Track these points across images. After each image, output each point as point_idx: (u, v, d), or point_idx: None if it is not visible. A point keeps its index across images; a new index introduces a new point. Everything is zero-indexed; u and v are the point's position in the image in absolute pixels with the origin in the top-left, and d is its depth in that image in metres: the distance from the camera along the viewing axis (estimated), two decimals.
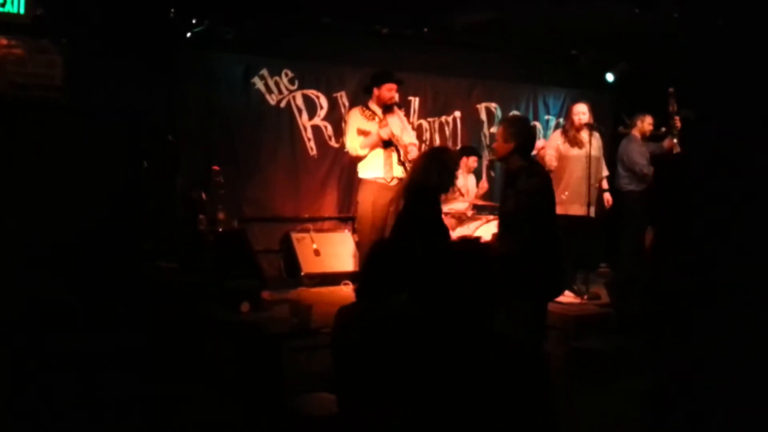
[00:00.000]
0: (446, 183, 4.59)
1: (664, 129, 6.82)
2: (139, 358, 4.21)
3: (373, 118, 5.87)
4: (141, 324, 4.45)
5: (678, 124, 6.66)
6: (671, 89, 6.71)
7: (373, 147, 5.85)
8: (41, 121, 5.52)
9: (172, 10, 6.31)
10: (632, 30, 7.21)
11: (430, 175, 4.44)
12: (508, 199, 4.09)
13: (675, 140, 6.67)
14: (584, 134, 6.07)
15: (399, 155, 5.89)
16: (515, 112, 8.52)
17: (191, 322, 4.54)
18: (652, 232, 6.51)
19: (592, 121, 6.12)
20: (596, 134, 6.15)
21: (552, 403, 2.55)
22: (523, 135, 4.05)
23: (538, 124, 8.52)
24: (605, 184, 6.60)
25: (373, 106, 5.99)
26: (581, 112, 6.10)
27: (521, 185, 3.95)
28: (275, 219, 7.02)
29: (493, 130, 8.38)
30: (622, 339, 5.25)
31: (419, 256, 3.87)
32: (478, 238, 4.84)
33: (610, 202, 6.60)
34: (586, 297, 5.97)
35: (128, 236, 5.25)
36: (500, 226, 4.28)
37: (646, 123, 6.89)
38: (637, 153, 6.73)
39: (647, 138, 6.95)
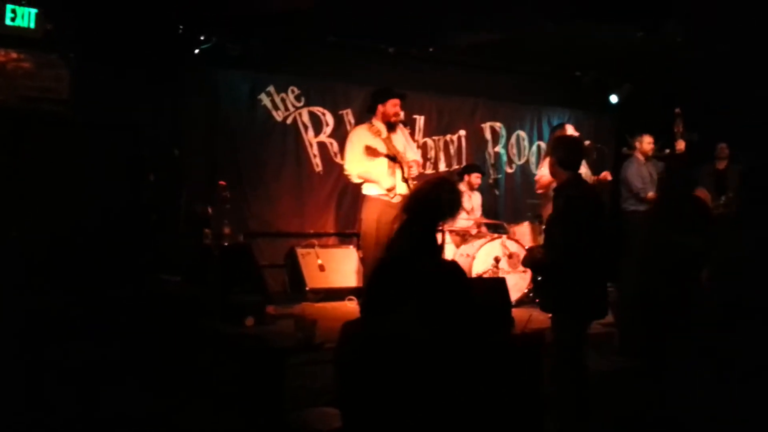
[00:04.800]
0: (452, 213, 4.62)
1: (668, 150, 6.84)
2: (141, 371, 4.21)
3: (379, 135, 5.90)
4: (143, 336, 4.45)
5: (682, 146, 6.69)
6: (677, 110, 6.75)
7: (371, 157, 5.85)
8: (47, 133, 5.58)
9: (180, 26, 6.37)
10: (635, 52, 7.26)
11: (438, 202, 4.46)
12: (549, 214, 4.16)
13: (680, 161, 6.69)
14: None
15: (403, 172, 5.91)
16: (520, 132, 8.57)
17: (194, 335, 4.54)
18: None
19: (586, 142, 6.23)
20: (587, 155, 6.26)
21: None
22: (569, 149, 4.14)
23: (542, 144, 8.55)
24: None
25: (377, 123, 6.01)
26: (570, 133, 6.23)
27: (567, 192, 3.99)
28: (280, 234, 7.05)
29: (498, 149, 8.42)
30: (625, 359, 5.24)
31: (421, 274, 3.90)
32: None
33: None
34: None
35: (131, 249, 5.27)
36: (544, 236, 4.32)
37: (646, 143, 6.92)
38: (635, 174, 6.77)
39: (650, 157, 6.97)
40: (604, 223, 4.12)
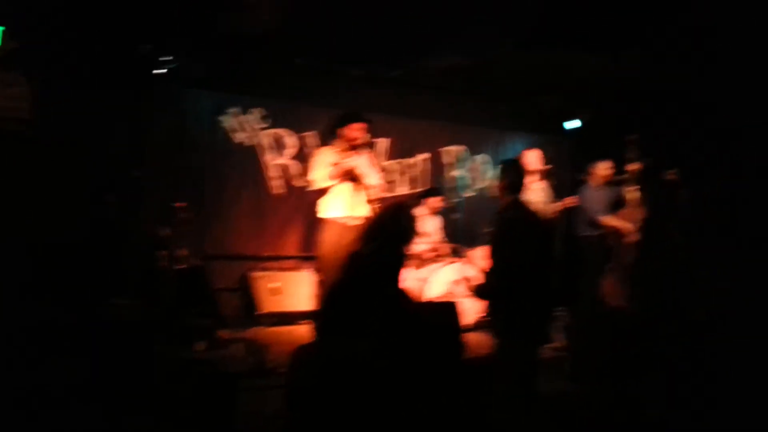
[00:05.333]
0: (411, 238, 4.67)
1: (623, 176, 6.96)
2: (90, 395, 4.17)
3: (342, 156, 5.93)
4: (93, 360, 4.41)
5: (636, 171, 6.82)
6: (631, 137, 6.89)
7: (336, 177, 5.88)
8: (7, 152, 5.54)
9: (147, 45, 6.37)
10: (595, 79, 7.41)
11: (398, 228, 4.51)
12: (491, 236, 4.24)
13: (634, 188, 6.83)
14: (535, 179, 6.41)
15: (363, 195, 5.94)
16: (481, 156, 8.67)
17: (146, 359, 4.52)
18: (609, 277, 6.65)
19: (545, 167, 6.36)
20: (545, 180, 6.41)
21: None
22: (515, 175, 4.31)
23: None
24: None
25: (342, 144, 6.05)
26: (533, 158, 6.36)
27: (506, 215, 4.09)
28: (237, 257, 7.01)
29: (459, 172, 8.51)
30: (576, 384, 5.30)
31: (379, 303, 3.94)
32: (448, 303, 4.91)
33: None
34: None
35: (87, 270, 5.24)
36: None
37: (605, 169, 7.03)
38: (591, 199, 6.87)
39: (607, 183, 7.09)
40: (550, 247, 4.21)
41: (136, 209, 6.31)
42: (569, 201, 6.64)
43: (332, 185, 5.92)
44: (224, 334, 5.25)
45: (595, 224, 6.80)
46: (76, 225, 5.53)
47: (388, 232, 4.26)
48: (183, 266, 5.79)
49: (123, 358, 4.44)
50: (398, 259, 4.33)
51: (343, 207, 5.90)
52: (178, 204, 6.16)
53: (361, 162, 6.07)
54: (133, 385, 4.28)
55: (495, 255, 4.05)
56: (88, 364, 4.41)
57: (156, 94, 6.68)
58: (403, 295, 4.38)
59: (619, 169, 6.96)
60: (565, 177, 7.29)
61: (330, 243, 5.83)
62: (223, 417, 4.12)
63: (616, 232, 6.76)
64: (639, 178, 6.84)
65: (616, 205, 6.99)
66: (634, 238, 6.68)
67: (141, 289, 5.53)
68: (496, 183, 4.38)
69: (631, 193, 6.83)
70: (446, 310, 5.08)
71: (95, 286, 5.14)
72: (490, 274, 4.09)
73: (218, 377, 4.31)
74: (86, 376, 4.30)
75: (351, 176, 5.90)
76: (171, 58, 6.49)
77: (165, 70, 6.50)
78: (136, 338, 4.62)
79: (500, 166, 4.41)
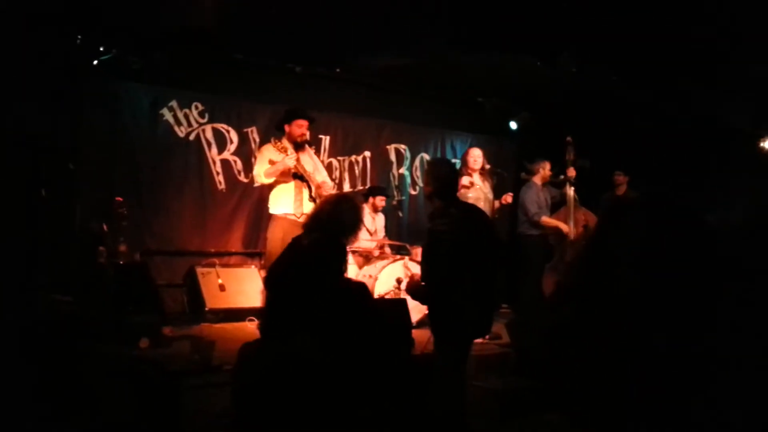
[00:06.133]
0: (353, 231, 4.64)
1: (562, 177, 7.12)
2: (28, 395, 4.01)
3: (285, 152, 5.89)
4: (32, 359, 4.24)
5: (573, 172, 6.99)
6: (569, 138, 7.06)
7: (278, 175, 5.83)
8: None
9: (79, 37, 6.17)
10: (534, 81, 7.56)
11: (340, 219, 4.49)
12: (427, 238, 4.15)
13: (572, 188, 6.99)
14: (477, 177, 6.47)
15: (310, 192, 5.92)
16: (424, 155, 8.73)
17: (86, 357, 4.37)
18: (549, 275, 6.78)
19: (487, 166, 6.44)
20: (488, 179, 6.50)
21: None
22: (439, 179, 4.15)
23: None
24: None
25: (285, 141, 6.01)
26: (476, 156, 6.40)
27: (433, 226, 4.05)
28: (180, 253, 6.88)
29: (402, 171, 8.55)
30: (521, 379, 5.39)
31: (323, 298, 3.91)
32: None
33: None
34: (487, 337, 6.11)
35: (22, 266, 5.03)
36: (421, 265, 4.32)
37: (546, 169, 7.17)
38: (531, 200, 6.99)
39: (548, 184, 7.24)
40: (490, 245, 4.20)
41: (72, 204, 6.10)
42: (507, 198, 6.74)
43: (277, 181, 5.88)
44: (168, 331, 5.12)
45: (534, 224, 6.92)
46: (11, 220, 5.30)
47: (328, 223, 4.25)
48: (122, 262, 5.62)
49: (62, 357, 4.28)
50: (339, 250, 4.31)
51: (291, 204, 5.87)
52: (116, 199, 6.00)
53: (306, 160, 6.04)
54: (73, 385, 4.14)
55: (425, 266, 4.05)
56: (25, 363, 4.24)
57: (93, 87, 6.48)
58: (360, 291, 4.38)
59: (560, 169, 7.11)
60: (507, 176, 7.39)
61: (277, 239, 5.78)
62: (167, 416, 4.02)
63: (557, 232, 6.91)
64: (577, 178, 7.00)
65: (558, 204, 7.14)
66: (573, 236, 6.84)
67: (80, 285, 5.35)
68: (424, 188, 4.22)
69: (570, 193, 6.99)
70: (397, 307, 5.11)
71: (32, 282, 4.94)
72: (427, 273, 4.08)
73: (162, 375, 4.20)
74: (24, 375, 4.13)
75: (298, 173, 5.86)
76: (108, 50, 6.31)
77: (102, 63, 6.32)
78: (76, 336, 4.47)
79: (425, 173, 4.24)
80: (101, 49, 6.33)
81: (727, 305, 2.65)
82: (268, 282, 4.29)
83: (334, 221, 4.28)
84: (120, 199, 6.00)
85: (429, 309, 4.10)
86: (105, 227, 5.80)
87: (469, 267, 3.93)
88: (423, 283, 4.06)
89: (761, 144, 7.65)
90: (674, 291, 2.64)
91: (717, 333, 2.66)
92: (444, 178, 4.19)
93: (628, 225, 2.94)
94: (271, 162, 5.82)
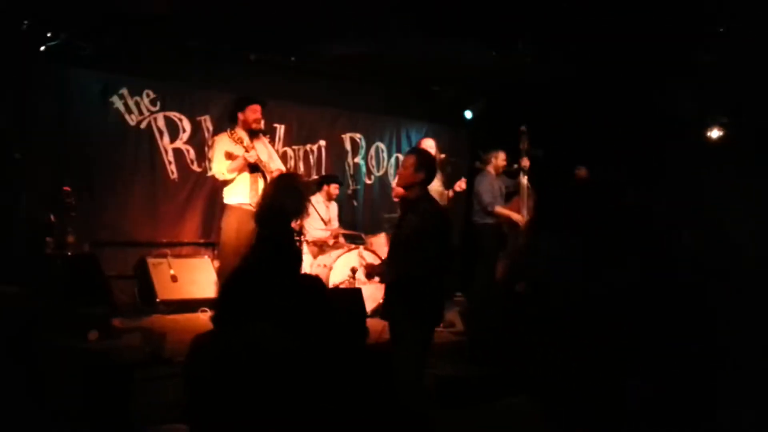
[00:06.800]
0: (299, 208, 4.63)
1: (516, 166, 7.20)
2: None
3: (241, 142, 5.84)
4: None
5: (527, 162, 7.07)
6: (522, 128, 7.13)
7: (240, 171, 5.80)
8: None
9: (26, 21, 6.00)
10: (490, 70, 7.61)
11: (282, 201, 4.47)
12: (405, 226, 4.12)
13: (525, 177, 7.08)
14: None
15: (266, 181, 5.87)
16: (379, 144, 8.73)
17: (34, 350, 4.28)
18: (503, 263, 6.87)
19: (441, 155, 6.48)
20: (441, 169, 6.55)
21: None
22: (430, 169, 4.17)
23: (400, 156, 8.75)
24: None
25: (239, 131, 5.95)
26: (428, 147, 6.44)
27: (423, 212, 4.04)
28: (130, 243, 6.76)
29: (357, 160, 8.54)
30: (474, 366, 5.45)
31: (275, 284, 3.89)
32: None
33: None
34: (442, 325, 6.15)
35: None
36: (392, 251, 4.28)
37: (500, 159, 7.24)
38: (485, 189, 7.05)
39: (502, 173, 7.31)
40: (449, 234, 4.25)
41: (18, 193, 5.94)
42: (461, 184, 6.78)
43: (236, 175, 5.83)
44: (119, 322, 5.04)
45: (489, 213, 6.99)
46: None
47: (275, 204, 4.23)
48: (70, 253, 5.50)
49: (8, 349, 4.19)
50: (287, 233, 4.30)
51: (246, 193, 5.83)
52: (63, 188, 5.87)
53: (260, 148, 5.99)
54: (21, 378, 4.05)
55: (416, 246, 4.02)
56: None
57: (40, 73, 6.31)
58: (314, 281, 4.36)
59: (513, 158, 7.19)
60: (462, 166, 7.45)
61: (232, 229, 5.75)
62: (118, 408, 3.97)
63: (509, 221, 6.99)
64: (531, 168, 7.09)
65: (512, 193, 7.22)
66: (524, 225, 6.93)
67: (27, 276, 5.22)
68: (408, 173, 4.15)
69: (524, 182, 7.08)
70: (352, 296, 5.12)
71: None
72: (396, 262, 4.09)
73: (112, 368, 4.14)
74: None
75: (254, 164, 5.82)
76: (57, 35, 6.15)
77: (50, 48, 6.16)
78: (23, 328, 4.37)
79: (415, 159, 4.18)
80: (48, 35, 6.16)
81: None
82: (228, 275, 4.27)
83: (275, 207, 4.26)
84: (68, 188, 5.86)
85: (399, 297, 4.07)
86: (53, 217, 5.67)
87: (435, 257, 3.98)
88: (382, 260, 4.09)
89: (708, 134, 7.82)
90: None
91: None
92: (432, 168, 4.23)
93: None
94: (228, 154, 5.74)
